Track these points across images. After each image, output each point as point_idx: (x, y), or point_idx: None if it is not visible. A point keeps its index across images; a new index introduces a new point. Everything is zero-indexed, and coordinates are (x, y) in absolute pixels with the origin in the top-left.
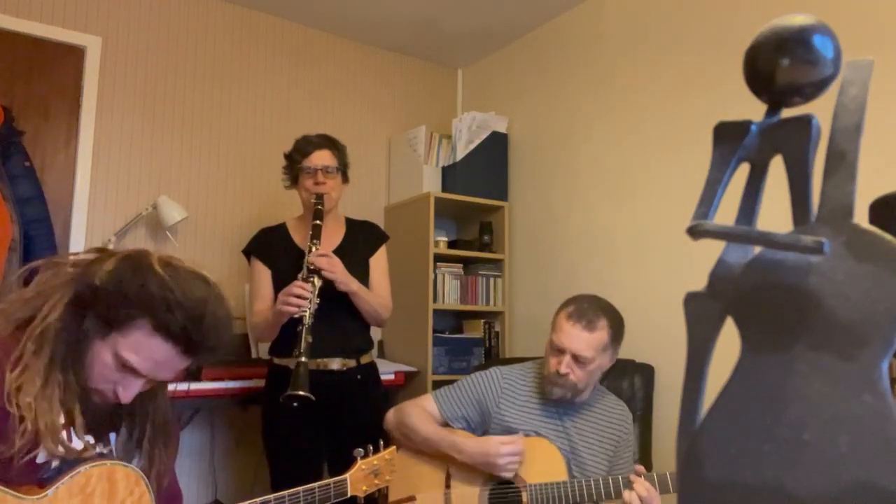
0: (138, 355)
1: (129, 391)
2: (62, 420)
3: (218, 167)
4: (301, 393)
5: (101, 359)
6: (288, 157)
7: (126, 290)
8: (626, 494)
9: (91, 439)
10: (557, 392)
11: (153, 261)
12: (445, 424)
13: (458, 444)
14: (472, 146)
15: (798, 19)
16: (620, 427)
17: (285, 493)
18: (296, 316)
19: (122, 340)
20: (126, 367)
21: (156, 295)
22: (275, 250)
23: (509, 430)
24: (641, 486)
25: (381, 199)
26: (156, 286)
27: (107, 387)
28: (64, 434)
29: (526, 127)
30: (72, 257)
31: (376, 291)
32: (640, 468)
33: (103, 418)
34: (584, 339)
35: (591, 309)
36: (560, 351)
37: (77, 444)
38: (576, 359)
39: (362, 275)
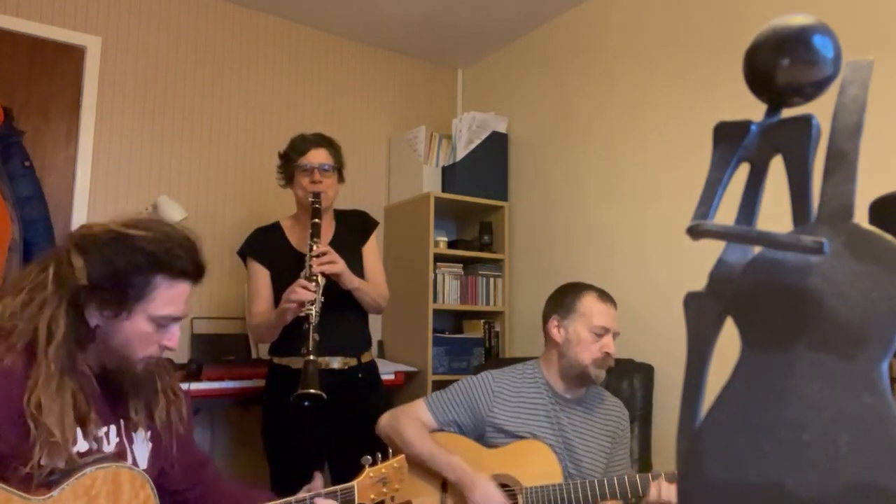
0: (173, 305)
1: (173, 338)
2: (72, 427)
3: (218, 167)
4: (312, 391)
5: (139, 329)
6: (283, 155)
7: (125, 263)
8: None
9: (101, 433)
10: (602, 375)
11: (112, 227)
12: (439, 429)
13: (451, 464)
14: (472, 146)
15: (798, 19)
16: (617, 423)
17: (291, 498)
18: (301, 314)
19: (151, 305)
20: (166, 322)
21: (152, 249)
22: (271, 251)
23: (504, 433)
24: (665, 489)
25: (381, 199)
26: (147, 243)
27: (152, 350)
28: (72, 446)
29: (526, 127)
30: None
31: (372, 278)
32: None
33: (113, 402)
34: (616, 315)
35: (601, 288)
36: (601, 334)
37: (83, 446)
38: (614, 335)
39: (357, 264)
